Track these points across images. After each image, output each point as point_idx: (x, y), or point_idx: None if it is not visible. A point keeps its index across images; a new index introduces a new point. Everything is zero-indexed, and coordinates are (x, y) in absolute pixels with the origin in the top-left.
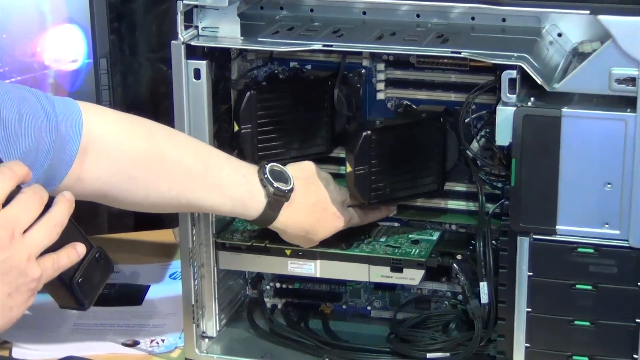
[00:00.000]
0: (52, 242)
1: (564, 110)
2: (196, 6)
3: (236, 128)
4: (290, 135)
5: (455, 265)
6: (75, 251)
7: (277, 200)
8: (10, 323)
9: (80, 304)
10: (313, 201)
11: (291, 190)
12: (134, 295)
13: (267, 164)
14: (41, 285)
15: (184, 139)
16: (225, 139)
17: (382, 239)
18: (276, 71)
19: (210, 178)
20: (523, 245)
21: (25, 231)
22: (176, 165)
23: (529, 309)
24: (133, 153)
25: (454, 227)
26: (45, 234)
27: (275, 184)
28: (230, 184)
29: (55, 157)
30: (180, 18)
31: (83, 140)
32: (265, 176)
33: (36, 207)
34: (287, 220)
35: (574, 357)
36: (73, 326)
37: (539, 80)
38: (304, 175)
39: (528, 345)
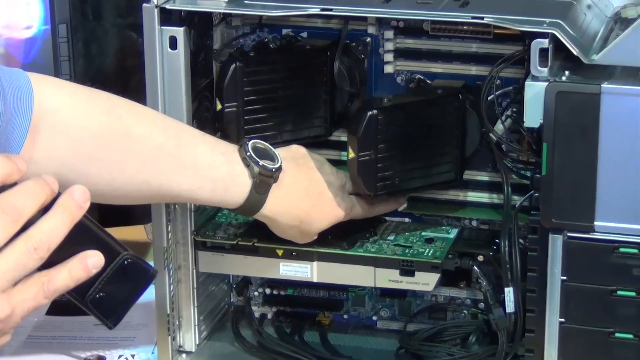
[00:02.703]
0: (28, 270)
1: (604, 86)
2: None
3: (219, 106)
4: (282, 115)
5: (475, 268)
6: (83, 265)
7: (263, 181)
8: None
9: (102, 323)
10: (306, 184)
11: (279, 169)
12: None
13: (249, 141)
14: (16, 322)
15: (151, 113)
16: (207, 119)
17: (391, 237)
18: (266, 40)
19: (184, 157)
20: (555, 244)
21: None
22: (143, 142)
23: (562, 320)
24: (93, 129)
25: (474, 223)
26: (16, 263)
27: (261, 162)
28: (207, 164)
29: (3, 136)
30: None
31: (34, 116)
32: (248, 154)
33: (6, 225)
34: (277, 207)
35: None
36: (27, 339)
37: (574, 51)
38: (292, 156)
39: None
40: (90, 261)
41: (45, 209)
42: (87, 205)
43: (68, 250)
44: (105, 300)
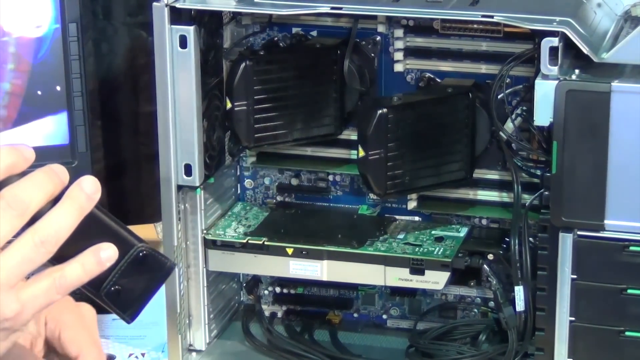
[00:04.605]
0: (36, 265)
1: (614, 84)
2: None
3: (229, 105)
4: (292, 113)
5: (486, 266)
6: (96, 259)
7: None
8: None
9: (120, 317)
10: None
11: None
12: None
13: None
14: (26, 320)
15: None
16: (216, 118)
17: (401, 236)
18: (276, 38)
19: None
20: (566, 243)
21: None
22: None
23: (573, 318)
24: None
25: (484, 221)
26: (23, 257)
27: None
28: None
29: None
30: None
31: None
32: None
33: (13, 218)
34: None
35: None
36: None
37: (584, 50)
38: None
39: None
40: (104, 254)
41: (55, 200)
42: (98, 196)
43: (81, 243)
44: (121, 294)
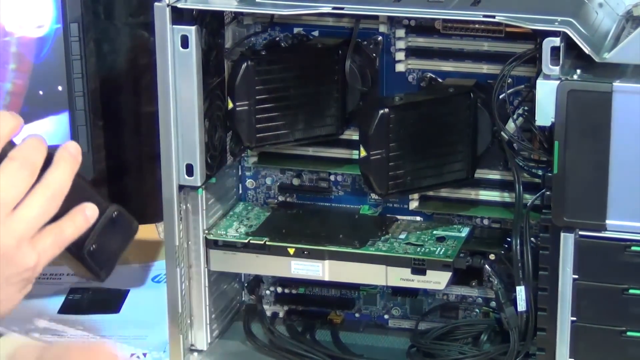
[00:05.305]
0: (49, 217)
1: (616, 84)
2: None
3: (230, 105)
4: (293, 113)
5: (487, 266)
6: (84, 216)
7: None
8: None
9: (95, 275)
10: None
11: None
12: (110, 301)
13: None
14: (39, 271)
15: None
16: (218, 118)
17: (402, 236)
18: (277, 38)
19: None
20: (567, 242)
21: (14, 208)
22: None
23: (574, 318)
24: None
25: (486, 221)
26: (40, 210)
27: None
28: None
29: None
30: None
31: None
32: None
33: (27, 177)
34: None
35: None
36: (40, 338)
37: (586, 50)
38: None
39: None
40: (88, 212)
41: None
42: (80, 159)
43: (67, 203)
44: (98, 252)
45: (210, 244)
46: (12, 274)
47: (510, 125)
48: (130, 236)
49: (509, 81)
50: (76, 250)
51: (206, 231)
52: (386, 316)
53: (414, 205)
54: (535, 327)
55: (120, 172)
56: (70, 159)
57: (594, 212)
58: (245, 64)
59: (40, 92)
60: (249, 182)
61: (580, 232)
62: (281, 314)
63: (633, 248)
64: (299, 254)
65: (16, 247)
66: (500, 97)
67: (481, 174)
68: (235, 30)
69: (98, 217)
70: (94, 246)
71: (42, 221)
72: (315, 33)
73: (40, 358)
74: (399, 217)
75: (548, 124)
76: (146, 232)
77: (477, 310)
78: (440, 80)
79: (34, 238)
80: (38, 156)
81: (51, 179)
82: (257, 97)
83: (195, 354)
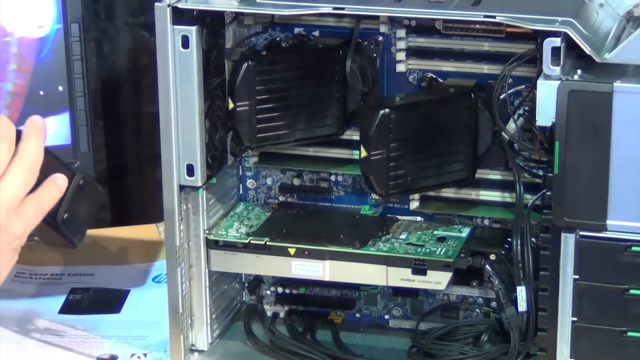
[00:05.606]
0: (30, 187)
1: (616, 84)
2: None
3: (231, 105)
4: (294, 114)
5: (488, 266)
6: (56, 185)
7: None
8: None
9: (70, 243)
10: None
11: None
12: (111, 301)
13: None
14: (24, 241)
15: None
16: (219, 118)
17: (403, 236)
18: (278, 38)
19: None
20: (568, 243)
21: None
22: None
23: (575, 318)
24: None
25: (486, 222)
26: (22, 181)
27: None
28: None
29: None
30: None
31: None
32: None
33: (6, 149)
34: None
35: None
36: (40, 338)
37: (587, 50)
38: None
39: None
40: (59, 182)
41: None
42: (46, 130)
43: (39, 175)
44: (70, 220)
45: (211, 244)
46: (4, 243)
47: (511, 126)
48: (97, 201)
49: (509, 81)
50: (51, 220)
51: (207, 231)
52: (387, 316)
53: (414, 205)
54: (535, 327)
55: (121, 172)
56: (38, 130)
57: (594, 213)
58: (246, 64)
59: (41, 92)
60: (250, 182)
61: (581, 233)
62: (282, 314)
63: (633, 248)
64: (300, 254)
65: (5, 217)
66: (501, 97)
67: (482, 174)
68: (236, 30)
69: (67, 185)
70: (66, 215)
71: (25, 191)
72: (316, 33)
73: None
74: (399, 217)
75: (549, 124)
76: (147, 232)
77: (477, 310)
78: (440, 80)
79: (18, 208)
80: (11, 130)
81: (27, 150)
82: (258, 97)
83: (196, 354)
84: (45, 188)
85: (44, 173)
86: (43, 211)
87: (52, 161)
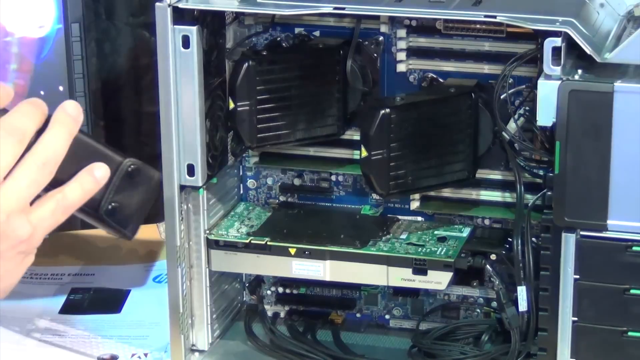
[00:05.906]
0: (41, 186)
1: (617, 84)
2: None
3: (232, 105)
4: (295, 114)
5: (488, 266)
6: (92, 177)
7: None
8: (3, 294)
9: (121, 234)
10: None
11: None
12: (111, 301)
13: None
14: (38, 242)
15: None
16: (219, 118)
17: (403, 236)
18: (279, 38)
19: None
20: (568, 243)
21: (4, 179)
22: None
23: (575, 318)
24: None
25: (487, 222)
26: (29, 179)
27: None
28: None
29: None
30: None
31: None
32: None
33: (13, 145)
34: None
35: None
36: (41, 338)
37: (587, 50)
38: None
39: None
40: (98, 172)
41: (39, 132)
42: (82, 118)
43: (73, 166)
44: (118, 210)
45: (212, 244)
46: (5, 248)
47: (512, 126)
48: (153, 188)
49: (510, 81)
50: (93, 212)
51: (207, 231)
52: (387, 316)
53: (415, 205)
54: (536, 327)
55: None
56: (68, 119)
57: (595, 212)
58: (247, 64)
59: (42, 92)
60: (250, 182)
61: (582, 232)
62: (282, 314)
63: (634, 248)
64: (300, 254)
65: (6, 220)
66: (502, 97)
67: (482, 174)
68: (237, 30)
69: (112, 174)
70: (111, 205)
71: (34, 191)
72: (317, 33)
73: None
74: (400, 217)
75: (549, 124)
76: (147, 232)
77: (478, 310)
78: (441, 80)
79: (28, 208)
80: (28, 122)
81: (42, 145)
82: (258, 97)
83: (197, 354)
84: (75, 181)
85: (80, 163)
86: (67, 208)
87: (91, 148)
